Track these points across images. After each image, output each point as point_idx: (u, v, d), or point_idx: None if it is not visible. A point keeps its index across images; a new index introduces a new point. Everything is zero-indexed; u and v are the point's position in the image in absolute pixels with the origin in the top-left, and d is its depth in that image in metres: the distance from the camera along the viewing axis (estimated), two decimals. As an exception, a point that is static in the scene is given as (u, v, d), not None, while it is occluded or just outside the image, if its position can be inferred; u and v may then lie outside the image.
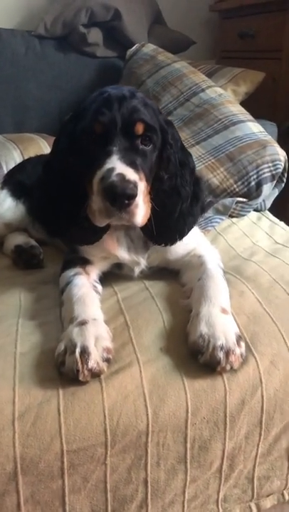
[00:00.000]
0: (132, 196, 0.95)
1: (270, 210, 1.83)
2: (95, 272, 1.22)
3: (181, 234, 1.16)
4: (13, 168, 1.73)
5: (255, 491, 1.02)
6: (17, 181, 1.58)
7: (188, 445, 0.93)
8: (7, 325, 1.08)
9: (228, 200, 1.65)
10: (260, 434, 0.97)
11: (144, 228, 1.09)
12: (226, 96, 1.99)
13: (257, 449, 0.98)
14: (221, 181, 1.69)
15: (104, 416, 0.88)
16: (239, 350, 0.95)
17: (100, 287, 1.21)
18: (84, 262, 1.20)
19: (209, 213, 1.61)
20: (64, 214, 1.11)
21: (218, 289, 1.09)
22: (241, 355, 0.95)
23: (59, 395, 0.89)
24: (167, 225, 1.13)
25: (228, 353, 0.93)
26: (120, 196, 0.94)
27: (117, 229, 1.17)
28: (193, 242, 1.25)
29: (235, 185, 1.68)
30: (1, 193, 1.56)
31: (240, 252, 1.41)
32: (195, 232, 1.28)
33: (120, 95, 1.04)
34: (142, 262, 1.22)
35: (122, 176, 0.94)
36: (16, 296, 1.21)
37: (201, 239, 1.30)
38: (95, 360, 0.90)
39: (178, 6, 3.10)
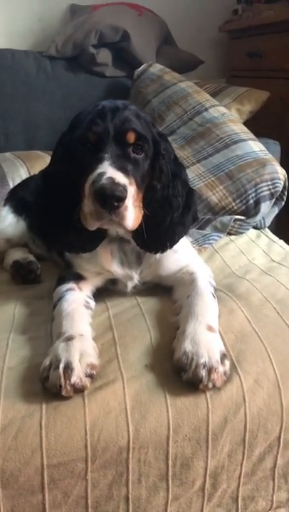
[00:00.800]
0: (121, 198, 0.98)
1: (271, 227, 1.83)
2: (88, 288, 1.24)
3: (171, 242, 1.18)
4: (16, 185, 1.77)
5: (240, 511, 1.01)
6: (19, 198, 1.62)
7: (170, 462, 0.93)
8: (-2, 339, 1.10)
9: (226, 218, 1.66)
10: (243, 453, 0.97)
11: (136, 236, 1.13)
12: (228, 115, 2.01)
13: (241, 468, 0.98)
14: (219, 199, 1.70)
15: (86, 431, 0.89)
16: (222, 368, 0.95)
17: (92, 303, 1.22)
18: (78, 278, 1.23)
19: (207, 230, 1.62)
20: (60, 220, 1.13)
21: (206, 307, 1.09)
22: (225, 373, 0.96)
23: (42, 410, 0.91)
24: (158, 233, 1.15)
25: (210, 371, 0.93)
26: (110, 198, 0.97)
27: (111, 241, 1.20)
28: (186, 259, 1.27)
29: (233, 203, 1.69)
30: (3, 209, 1.60)
31: (235, 270, 1.42)
32: (188, 249, 1.30)
33: (114, 107, 1.08)
34: (135, 277, 1.23)
35: (111, 179, 0.98)
36: (10, 310, 1.24)
37: (194, 256, 1.32)
38: (78, 375, 0.91)
39: (188, 26, 3.15)
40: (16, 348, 1.07)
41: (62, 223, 1.13)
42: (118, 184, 0.98)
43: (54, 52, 2.67)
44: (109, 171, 0.99)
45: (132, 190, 1.02)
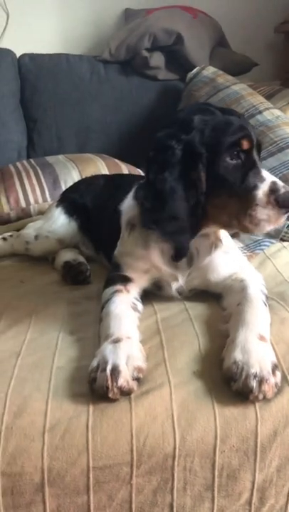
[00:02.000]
0: None
1: None
2: (135, 290, 1.23)
3: None
4: (68, 187, 1.80)
5: (288, 528, 0.98)
6: (71, 199, 1.65)
7: (216, 472, 0.91)
8: (48, 338, 1.12)
9: (279, 224, 1.61)
10: (293, 469, 0.93)
11: None
12: (283, 118, 1.96)
13: (290, 484, 0.94)
14: (272, 204, 1.65)
15: (132, 435, 0.89)
16: (274, 379, 0.92)
17: (140, 306, 1.22)
18: (125, 280, 1.23)
19: (259, 236, 1.58)
20: (185, 222, 1.09)
21: (257, 315, 1.07)
22: (276, 384, 0.93)
23: (89, 411, 0.91)
24: None
25: (261, 381, 0.91)
26: None
27: (163, 242, 1.19)
28: (236, 265, 1.24)
29: (287, 209, 1.64)
30: (56, 210, 1.63)
31: (287, 278, 1.37)
32: (238, 253, 1.28)
33: (237, 116, 1.13)
34: (180, 278, 1.22)
35: (287, 189, 1.06)
36: (59, 310, 1.26)
37: (245, 262, 1.29)
38: (124, 378, 0.91)
39: (243, 28, 3.10)
40: (65, 347, 1.09)
41: (184, 223, 1.09)
42: None
43: (108, 56, 2.70)
44: (275, 179, 1.08)
45: None
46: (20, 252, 1.66)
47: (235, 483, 0.92)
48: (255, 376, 0.91)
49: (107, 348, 0.98)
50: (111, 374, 0.91)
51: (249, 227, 1.08)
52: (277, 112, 2.00)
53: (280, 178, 1.69)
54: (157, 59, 2.65)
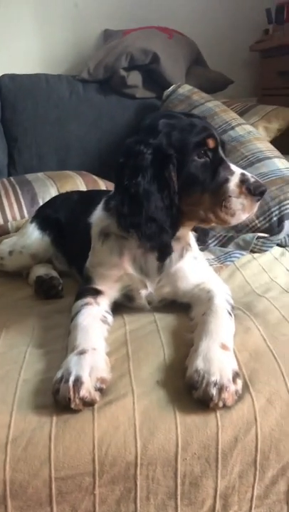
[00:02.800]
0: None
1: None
2: (105, 303, 1.25)
3: None
4: (44, 203, 1.83)
5: (252, 534, 0.98)
6: (45, 215, 1.68)
7: (179, 480, 0.92)
8: (16, 352, 1.13)
9: (248, 236, 1.65)
10: (254, 475, 0.94)
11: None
12: (254, 133, 2.01)
13: (253, 491, 0.95)
14: (243, 217, 1.69)
15: (94, 445, 0.90)
16: (234, 387, 0.94)
17: (110, 318, 1.24)
18: (95, 293, 1.25)
19: (230, 248, 1.62)
20: (161, 219, 1.11)
21: (221, 325, 1.09)
22: (236, 392, 0.94)
23: (52, 422, 0.92)
24: None
25: (221, 389, 0.92)
26: (265, 190, 1.14)
27: (138, 248, 1.22)
28: (204, 274, 1.28)
29: (256, 221, 1.68)
30: (30, 226, 1.66)
31: (255, 288, 1.40)
32: (205, 263, 1.31)
33: (199, 117, 1.21)
34: (150, 286, 1.25)
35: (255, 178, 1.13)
36: (30, 324, 1.27)
37: (212, 273, 1.32)
38: (87, 389, 0.92)
39: (219, 47, 3.20)
40: (33, 361, 1.10)
41: (162, 223, 1.11)
42: None
43: (86, 75, 2.76)
44: (243, 171, 1.14)
45: None
46: (-6, 269, 1.67)
47: (197, 490, 0.93)
48: (215, 384, 0.93)
49: (72, 359, 0.99)
50: (73, 385, 0.92)
51: (226, 218, 1.13)
52: (249, 128, 2.06)
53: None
54: (134, 78, 2.72)
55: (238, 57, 3.26)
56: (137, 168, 1.09)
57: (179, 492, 0.93)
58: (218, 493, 0.94)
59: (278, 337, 1.12)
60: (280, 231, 1.66)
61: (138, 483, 0.91)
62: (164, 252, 1.18)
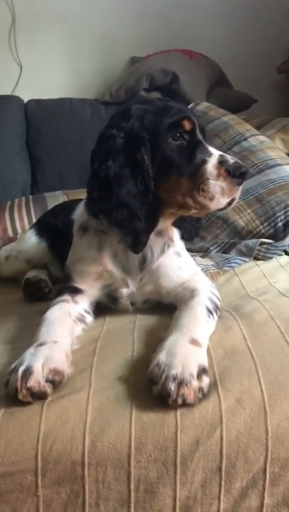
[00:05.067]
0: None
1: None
2: (85, 302, 1.20)
3: None
4: (46, 211, 1.82)
5: None
6: (44, 221, 1.66)
7: (132, 486, 0.83)
8: (-16, 348, 1.09)
9: (251, 242, 1.56)
10: (220, 485, 0.83)
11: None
12: (268, 143, 1.95)
13: (219, 503, 0.84)
14: (247, 223, 1.61)
15: (38, 440, 0.83)
16: (197, 383, 0.85)
17: (89, 318, 1.18)
18: (73, 291, 1.20)
19: (231, 254, 1.53)
20: (133, 205, 1.06)
21: (194, 320, 1.01)
22: (200, 389, 0.85)
23: (-1, 414, 0.86)
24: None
25: (180, 384, 0.83)
26: (246, 173, 1.06)
27: (118, 244, 1.17)
28: (188, 271, 1.20)
29: (261, 227, 1.59)
30: (29, 232, 1.65)
31: (250, 292, 1.30)
32: (189, 260, 1.24)
33: (173, 102, 1.14)
34: (131, 284, 1.18)
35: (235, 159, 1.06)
36: (7, 324, 1.23)
37: (197, 271, 1.23)
38: (36, 379, 0.86)
39: (245, 68, 3.17)
40: (-3, 355, 1.05)
41: (134, 209, 1.06)
42: None
43: (108, 98, 2.80)
44: (222, 153, 1.06)
45: None
46: (-9, 274, 1.66)
47: (154, 498, 0.83)
48: (174, 378, 0.84)
49: (29, 351, 0.94)
50: (22, 375, 0.86)
51: (204, 202, 1.05)
52: (262, 138, 1.99)
53: (255, 197, 1.69)
54: (155, 98, 2.72)
55: (265, 79, 3.21)
56: (108, 151, 1.04)
57: (132, 499, 0.83)
58: (177, 503, 0.83)
59: (260, 336, 1.02)
60: (285, 236, 1.56)
61: (86, 486, 0.83)
62: (136, 241, 1.09)
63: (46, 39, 3.14)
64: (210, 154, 1.06)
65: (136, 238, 1.08)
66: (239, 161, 1.05)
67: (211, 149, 1.07)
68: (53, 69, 3.19)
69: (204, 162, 1.05)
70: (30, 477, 0.82)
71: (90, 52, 3.22)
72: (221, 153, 1.07)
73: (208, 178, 1.04)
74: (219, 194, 1.04)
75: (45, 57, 3.18)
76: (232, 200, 1.07)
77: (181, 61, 2.70)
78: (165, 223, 1.16)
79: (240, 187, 1.06)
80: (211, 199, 1.05)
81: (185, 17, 3.14)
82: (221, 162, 1.04)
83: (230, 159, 1.04)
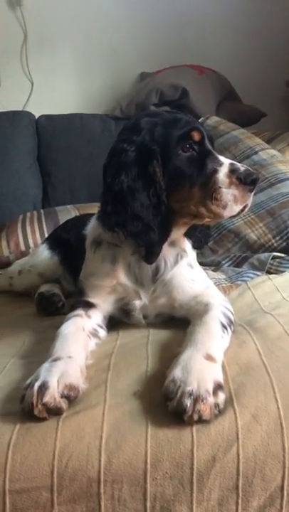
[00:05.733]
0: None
1: None
2: (98, 316, 1.20)
3: None
4: (59, 225, 1.84)
5: None
6: (57, 236, 1.67)
7: (148, 503, 0.82)
8: (-1, 363, 1.09)
9: (263, 255, 1.55)
10: (237, 503, 0.82)
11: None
12: (278, 157, 1.95)
13: (236, 523, 0.83)
14: (258, 236, 1.61)
15: (54, 456, 0.82)
16: (213, 399, 0.84)
17: (102, 332, 1.19)
18: (87, 306, 1.20)
19: (243, 268, 1.52)
20: (146, 218, 1.07)
21: (209, 335, 1.00)
22: (216, 405, 0.84)
23: (14, 430, 0.86)
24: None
25: (196, 400, 0.83)
26: (257, 180, 1.07)
27: (132, 255, 1.18)
28: (201, 284, 1.21)
29: (273, 240, 1.59)
30: (41, 246, 1.67)
31: (263, 306, 1.30)
32: (201, 272, 1.24)
33: (182, 113, 1.17)
34: (145, 296, 1.18)
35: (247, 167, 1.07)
36: (21, 338, 1.23)
37: (210, 284, 1.23)
38: (51, 395, 0.86)
39: (254, 83, 3.20)
40: (12, 370, 1.06)
41: (148, 221, 1.07)
42: None
43: (118, 113, 2.83)
44: (232, 161, 1.08)
45: None
46: (4, 289, 1.68)
47: (170, 517, 0.82)
48: (190, 394, 0.84)
49: (44, 366, 0.94)
50: (38, 390, 0.86)
51: (218, 211, 1.07)
52: (273, 152, 2.00)
53: (267, 211, 1.69)
54: (165, 113, 2.74)
55: (273, 93, 3.24)
56: (120, 165, 1.06)
57: (148, 517, 0.82)
58: (194, 521, 0.82)
59: (275, 351, 1.01)
60: (298, 250, 1.56)
61: (102, 503, 0.82)
62: (150, 252, 1.10)
63: (57, 56, 3.19)
64: (220, 163, 1.07)
65: (150, 249, 1.10)
66: (250, 169, 1.07)
67: (221, 158, 1.09)
68: (63, 85, 3.23)
69: (215, 171, 1.06)
70: (46, 494, 0.81)
71: (99, 68, 3.26)
72: (231, 161, 1.09)
73: (220, 187, 1.05)
74: (232, 202, 1.06)
75: (55, 74, 3.22)
76: (244, 207, 1.09)
77: (191, 76, 2.73)
78: (178, 233, 1.17)
79: (252, 193, 1.08)
80: (224, 207, 1.06)
81: (193, 33, 3.17)
82: (232, 170, 1.06)
83: (241, 167, 1.06)
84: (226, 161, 1.08)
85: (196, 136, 1.08)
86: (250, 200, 1.08)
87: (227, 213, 1.07)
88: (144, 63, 3.22)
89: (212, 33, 3.18)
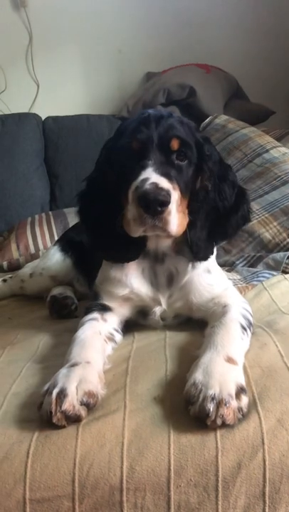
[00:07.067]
0: (165, 203, 0.96)
1: None
2: (114, 320, 1.18)
3: (216, 242, 1.17)
4: (70, 227, 1.82)
5: None
6: (68, 238, 1.66)
7: (172, 512, 0.80)
8: (14, 367, 1.08)
9: (279, 255, 1.53)
10: (263, 510, 0.79)
11: (180, 244, 1.13)
12: (290, 154, 1.92)
13: (263, 530, 0.80)
14: (273, 236, 1.58)
15: (74, 464, 0.80)
16: (236, 403, 0.82)
17: (118, 336, 1.17)
18: (102, 309, 1.18)
19: (258, 268, 1.50)
20: (103, 226, 1.11)
21: (229, 337, 0.98)
22: (239, 409, 0.82)
23: (33, 437, 0.84)
24: (205, 238, 1.12)
25: (219, 404, 0.81)
26: (153, 202, 0.95)
27: (144, 259, 1.16)
28: (219, 287, 1.18)
29: (288, 239, 1.56)
30: (53, 248, 1.64)
31: (281, 307, 1.27)
32: (222, 275, 1.22)
33: (158, 115, 1.08)
34: (163, 302, 1.16)
35: (155, 184, 0.96)
36: (36, 342, 1.21)
37: (229, 287, 1.20)
38: (70, 402, 0.84)
39: (262, 82, 3.18)
40: (28, 375, 1.04)
41: (104, 229, 1.10)
42: (162, 189, 0.96)
43: (125, 113, 2.81)
44: (152, 176, 0.98)
45: (175, 196, 0.99)
46: (16, 292, 1.66)
47: (194, 525, 0.80)
48: (213, 398, 0.81)
49: (62, 372, 0.92)
50: (56, 398, 0.84)
51: (126, 228, 1.02)
52: (284, 150, 1.97)
53: (281, 210, 1.66)
54: (173, 113, 2.72)
55: (280, 90, 3.21)
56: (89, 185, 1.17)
57: (172, 526, 0.80)
58: (219, 530, 0.80)
59: (298, 353, 0.98)
60: (313, 249, 1.53)
61: (125, 511, 0.80)
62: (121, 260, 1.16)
63: (62, 57, 3.17)
64: (137, 176, 0.99)
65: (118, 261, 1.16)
66: (152, 188, 0.95)
67: (146, 171, 0.99)
68: (69, 86, 3.22)
69: (130, 186, 1.01)
70: (67, 503, 0.79)
71: (105, 69, 3.24)
72: (148, 176, 0.98)
73: (128, 203, 1.00)
74: (132, 222, 1.00)
75: (61, 75, 3.21)
76: (162, 230, 1.00)
77: (198, 75, 2.71)
78: (160, 243, 1.15)
79: (161, 218, 0.97)
80: (128, 226, 1.02)
81: (199, 32, 3.15)
82: (137, 187, 0.98)
83: (147, 185, 0.96)
84: (143, 175, 0.98)
85: (135, 144, 1.04)
86: (155, 223, 0.98)
87: (132, 233, 1.01)
88: (150, 63, 3.20)
89: (218, 32, 3.15)
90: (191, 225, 1.07)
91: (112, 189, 1.07)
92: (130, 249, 1.12)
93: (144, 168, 1.00)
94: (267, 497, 0.80)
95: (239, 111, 2.76)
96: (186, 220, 1.05)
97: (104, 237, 1.11)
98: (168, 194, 0.96)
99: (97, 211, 1.12)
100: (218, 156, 1.15)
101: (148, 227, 0.99)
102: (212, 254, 1.16)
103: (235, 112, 2.73)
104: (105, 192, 1.09)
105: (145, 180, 0.97)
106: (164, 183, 0.97)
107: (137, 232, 1.01)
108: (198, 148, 1.10)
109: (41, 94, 3.16)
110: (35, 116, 2.90)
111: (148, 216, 0.97)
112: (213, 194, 1.11)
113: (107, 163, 1.12)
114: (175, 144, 1.05)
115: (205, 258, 1.14)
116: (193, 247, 1.11)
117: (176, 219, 0.99)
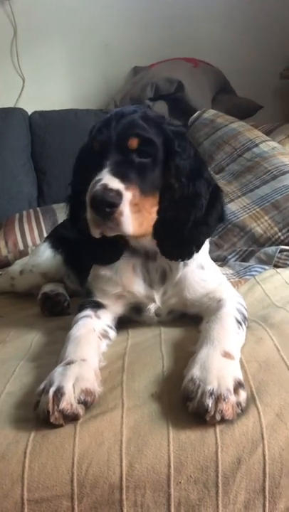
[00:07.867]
0: (113, 204, 0.94)
1: None
2: (108, 317, 1.17)
3: (197, 245, 1.10)
4: (59, 223, 1.80)
5: None
6: (58, 234, 1.64)
7: (173, 509, 0.79)
8: (7, 366, 1.06)
9: (271, 249, 1.53)
10: (264, 505, 0.79)
11: (159, 243, 1.10)
12: (279, 149, 1.93)
13: (263, 525, 0.80)
14: (265, 230, 1.59)
15: (73, 463, 0.79)
16: (235, 398, 0.82)
17: (112, 333, 1.15)
18: (96, 306, 1.17)
19: (250, 262, 1.50)
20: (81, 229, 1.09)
21: (224, 332, 0.97)
22: (238, 404, 0.82)
23: (30, 437, 0.82)
24: (181, 237, 1.08)
25: (218, 399, 0.80)
26: (100, 204, 0.94)
27: (134, 257, 1.15)
28: (213, 281, 1.17)
29: (280, 233, 1.57)
30: (43, 245, 1.62)
31: (275, 301, 1.27)
32: (215, 269, 1.21)
33: (120, 113, 1.06)
34: (157, 299, 1.15)
35: (104, 186, 0.95)
36: (29, 340, 1.20)
37: (222, 280, 1.20)
38: (68, 401, 0.83)
39: (249, 76, 3.16)
40: (22, 374, 1.02)
41: (87, 233, 1.06)
42: (110, 190, 0.94)
43: (113, 108, 2.77)
44: (105, 177, 0.96)
45: (128, 196, 0.96)
46: (6, 290, 1.64)
47: (195, 522, 0.79)
48: (211, 393, 0.81)
49: (57, 370, 0.91)
50: (53, 396, 0.83)
51: (90, 229, 1.01)
52: (273, 144, 1.97)
53: (272, 204, 1.66)
54: (161, 107, 2.70)
55: (268, 85, 3.20)
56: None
57: (172, 523, 0.79)
58: (219, 526, 0.80)
59: (294, 347, 0.98)
60: (305, 243, 1.54)
61: (125, 510, 0.79)
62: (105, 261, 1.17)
63: (48, 51, 3.13)
64: (95, 178, 0.98)
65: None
66: (100, 190, 0.94)
67: (103, 171, 0.98)
68: (55, 80, 3.18)
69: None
70: (66, 503, 0.78)
71: (92, 63, 3.20)
72: (102, 177, 0.96)
73: (87, 205, 0.99)
74: (90, 223, 0.99)
75: (47, 69, 3.16)
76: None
77: (186, 69, 2.69)
78: (141, 240, 1.12)
79: (113, 219, 0.96)
80: (89, 227, 1.01)
81: (186, 26, 3.13)
82: (90, 189, 0.96)
83: (97, 186, 0.95)
84: (98, 176, 0.97)
85: (96, 145, 1.03)
86: (108, 225, 0.97)
87: (92, 234, 1.01)
88: (137, 57, 3.17)
89: (206, 26, 3.13)
90: (158, 224, 1.05)
91: (84, 192, 1.04)
92: (111, 250, 1.11)
93: (101, 169, 0.99)
94: (267, 492, 0.79)
95: (227, 105, 2.75)
96: (150, 220, 1.03)
97: (89, 240, 1.07)
98: (118, 195, 0.95)
99: (81, 215, 1.07)
100: (194, 152, 1.11)
101: (104, 228, 0.98)
102: (191, 254, 1.10)
103: (223, 107, 2.72)
104: (84, 195, 1.04)
105: (97, 181, 0.96)
106: (114, 183, 0.96)
107: (95, 233, 1.00)
108: (167, 145, 1.06)
109: (27, 88, 3.11)
110: (22, 111, 2.86)
111: (99, 218, 0.96)
112: (181, 192, 1.07)
113: (79, 165, 1.12)
114: (134, 143, 1.02)
115: (188, 256, 1.10)
116: (159, 246, 1.09)
117: (129, 219, 0.97)
